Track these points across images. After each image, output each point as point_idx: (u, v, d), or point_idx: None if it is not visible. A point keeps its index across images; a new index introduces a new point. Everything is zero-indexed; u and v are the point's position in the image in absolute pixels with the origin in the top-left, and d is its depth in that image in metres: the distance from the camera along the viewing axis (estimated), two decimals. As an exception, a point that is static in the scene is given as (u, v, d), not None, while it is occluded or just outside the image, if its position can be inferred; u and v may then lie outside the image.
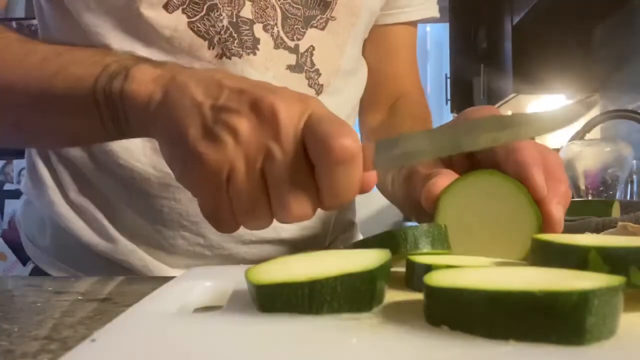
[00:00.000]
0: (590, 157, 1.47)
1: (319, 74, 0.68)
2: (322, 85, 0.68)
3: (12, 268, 2.73)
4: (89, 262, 0.68)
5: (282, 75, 0.65)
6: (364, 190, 0.41)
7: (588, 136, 1.65)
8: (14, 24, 2.90)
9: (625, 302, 0.25)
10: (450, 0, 3.38)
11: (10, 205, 3.05)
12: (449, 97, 3.50)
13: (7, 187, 3.12)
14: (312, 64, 0.67)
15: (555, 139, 2.63)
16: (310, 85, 0.67)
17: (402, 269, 0.37)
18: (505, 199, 0.43)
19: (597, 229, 0.65)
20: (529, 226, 0.42)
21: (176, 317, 0.29)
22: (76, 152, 0.66)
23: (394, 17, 0.78)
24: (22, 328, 0.33)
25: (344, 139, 0.38)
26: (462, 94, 3.37)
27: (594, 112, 2.12)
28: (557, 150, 1.60)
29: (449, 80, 3.52)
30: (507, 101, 2.61)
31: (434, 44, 4.07)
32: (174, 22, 0.60)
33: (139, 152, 0.63)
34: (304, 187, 0.39)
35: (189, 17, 0.60)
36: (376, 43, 0.78)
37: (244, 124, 0.39)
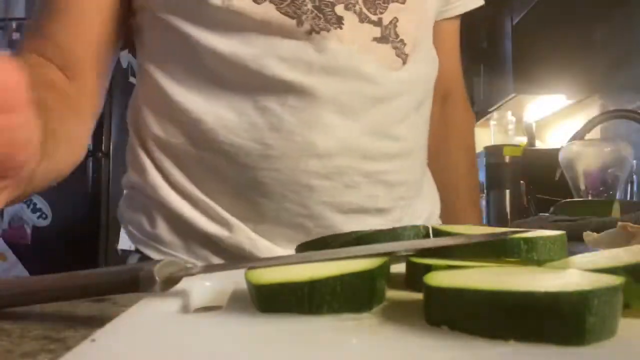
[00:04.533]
0: (590, 157, 1.47)
1: (404, 44, 0.71)
2: (407, 54, 0.71)
3: (12, 268, 2.73)
4: (197, 246, 0.70)
5: (369, 46, 0.68)
6: None
7: (588, 136, 1.65)
8: (14, 24, 2.90)
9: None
10: (450, 0, 3.37)
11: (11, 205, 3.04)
12: (449, 97, 3.49)
13: (7, 187, 3.11)
14: (397, 35, 0.70)
15: (556, 139, 2.63)
16: (397, 55, 0.70)
17: (402, 270, 0.37)
18: None
19: (597, 229, 0.65)
20: None
21: (176, 317, 0.29)
22: (175, 139, 0.69)
23: (443, 14, 0.86)
24: (22, 328, 0.33)
25: None
26: (462, 94, 3.36)
27: (594, 112, 2.12)
28: (557, 150, 1.60)
29: (449, 80, 3.51)
30: (506, 101, 2.60)
31: (434, 44, 4.06)
32: (263, 10, 0.64)
33: (237, 128, 0.65)
34: None
35: (276, 5, 0.65)
36: None
37: None
